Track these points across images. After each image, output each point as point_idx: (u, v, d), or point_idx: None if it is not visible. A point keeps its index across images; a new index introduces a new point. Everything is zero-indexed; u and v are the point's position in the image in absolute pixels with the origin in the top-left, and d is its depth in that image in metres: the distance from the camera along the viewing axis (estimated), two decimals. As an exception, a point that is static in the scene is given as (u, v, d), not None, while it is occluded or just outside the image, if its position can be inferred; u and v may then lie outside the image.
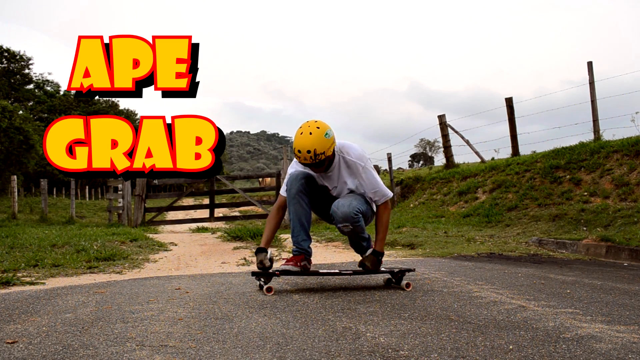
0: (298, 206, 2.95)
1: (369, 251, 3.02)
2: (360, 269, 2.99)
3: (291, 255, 2.98)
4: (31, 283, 3.35)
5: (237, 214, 12.94)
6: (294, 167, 3.04)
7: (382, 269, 3.00)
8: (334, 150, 2.86)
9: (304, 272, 2.93)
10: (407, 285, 2.89)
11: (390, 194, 3.00)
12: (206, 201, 12.54)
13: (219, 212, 13.35)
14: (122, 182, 11.06)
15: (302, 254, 2.95)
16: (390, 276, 3.04)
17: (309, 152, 2.72)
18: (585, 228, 5.49)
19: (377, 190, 2.94)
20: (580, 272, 3.59)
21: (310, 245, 3.01)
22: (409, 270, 2.99)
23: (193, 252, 5.65)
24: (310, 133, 2.73)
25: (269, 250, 2.96)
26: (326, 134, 2.75)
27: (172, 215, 14.97)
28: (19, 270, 3.83)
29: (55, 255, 4.63)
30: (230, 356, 1.69)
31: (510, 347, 1.75)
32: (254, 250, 3.15)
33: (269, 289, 2.77)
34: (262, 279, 2.85)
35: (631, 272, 3.60)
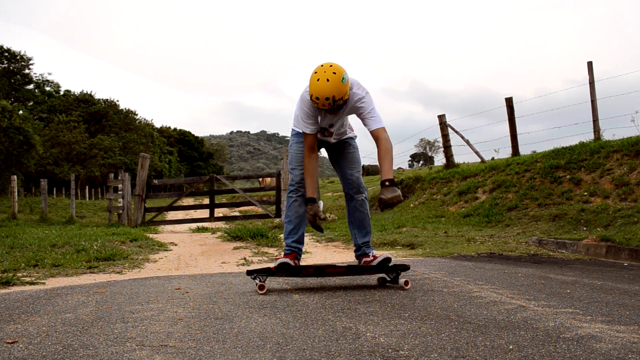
0: (300, 208, 2.95)
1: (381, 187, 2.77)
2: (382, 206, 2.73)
3: (283, 254, 2.98)
4: (31, 283, 3.35)
5: (237, 214, 12.94)
6: (300, 115, 2.91)
7: (376, 263, 2.95)
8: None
9: (298, 268, 2.91)
10: (406, 282, 2.85)
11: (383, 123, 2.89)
12: (206, 201, 12.55)
13: (219, 212, 13.36)
14: (122, 182, 11.07)
15: (294, 252, 2.95)
16: (384, 275, 3.02)
17: (327, 99, 2.65)
18: (585, 228, 5.49)
19: (374, 112, 2.83)
20: (580, 272, 3.59)
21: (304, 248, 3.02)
22: (404, 268, 2.93)
23: (193, 252, 5.65)
24: (328, 80, 2.63)
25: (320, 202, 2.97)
26: (343, 78, 2.66)
27: (172, 215, 14.97)
28: (19, 270, 3.83)
29: (55, 255, 4.63)
30: (230, 356, 1.69)
31: (510, 347, 1.75)
32: (308, 202, 2.94)
33: (262, 287, 2.74)
34: (258, 277, 2.82)
35: (631, 272, 3.60)
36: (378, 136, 2.84)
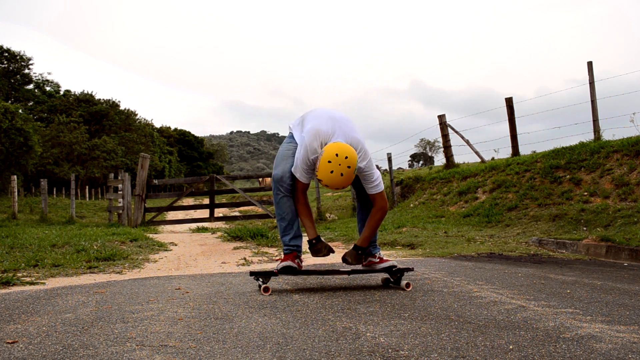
0: (290, 203, 2.93)
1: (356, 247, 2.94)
2: (346, 263, 2.93)
3: (283, 254, 2.97)
4: (31, 283, 3.35)
5: (237, 214, 12.95)
6: (299, 165, 2.85)
7: (379, 267, 2.98)
8: None
9: (302, 272, 2.92)
10: (407, 285, 2.87)
11: (382, 186, 2.94)
12: (206, 201, 12.55)
13: (219, 212, 13.37)
14: (122, 182, 11.07)
15: (294, 251, 2.95)
16: (388, 276, 3.04)
17: (337, 189, 2.71)
18: (585, 228, 5.49)
19: (375, 180, 2.88)
20: (580, 272, 3.59)
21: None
22: (408, 270, 2.98)
23: (193, 252, 5.65)
24: (342, 174, 2.62)
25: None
26: (355, 169, 2.68)
27: (172, 215, 14.98)
28: (19, 270, 3.83)
29: (55, 255, 4.63)
30: (230, 356, 1.69)
31: (510, 347, 1.75)
32: (312, 241, 3.00)
33: (266, 289, 2.76)
34: (261, 279, 2.85)
35: (631, 272, 3.60)
36: (375, 202, 2.93)
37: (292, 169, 2.88)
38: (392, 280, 3.00)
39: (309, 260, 4.53)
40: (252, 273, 2.91)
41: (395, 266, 2.96)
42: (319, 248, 2.95)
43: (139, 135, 40.44)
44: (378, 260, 3.02)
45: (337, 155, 2.62)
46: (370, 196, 2.93)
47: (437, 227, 6.88)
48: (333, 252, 3.00)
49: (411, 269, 3.01)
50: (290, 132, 3.09)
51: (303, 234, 3.06)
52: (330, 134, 2.79)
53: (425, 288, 2.91)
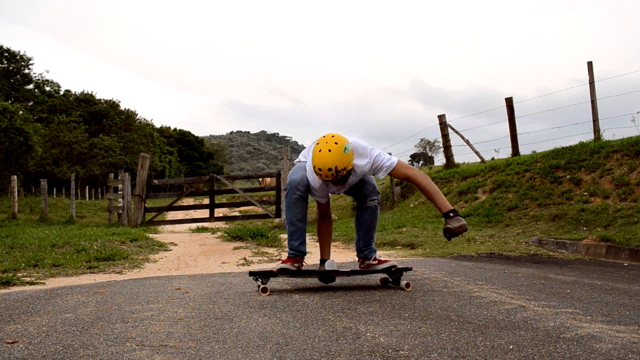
0: (302, 209, 2.95)
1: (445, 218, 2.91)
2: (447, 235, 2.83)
3: (287, 256, 2.99)
4: (31, 283, 3.35)
5: (237, 214, 12.95)
6: (309, 172, 2.92)
7: (380, 268, 2.97)
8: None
9: (301, 272, 2.92)
10: (407, 285, 2.86)
11: (395, 160, 2.93)
12: (206, 201, 12.56)
13: (219, 212, 13.37)
14: (122, 182, 11.07)
15: (298, 255, 2.96)
16: (387, 276, 3.03)
17: (330, 169, 2.66)
18: (585, 228, 5.49)
19: (383, 168, 2.88)
20: (580, 272, 3.59)
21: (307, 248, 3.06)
22: (407, 269, 2.97)
23: (193, 252, 5.66)
24: (330, 150, 2.65)
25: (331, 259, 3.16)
26: (345, 148, 2.67)
27: (172, 215, 14.99)
28: (19, 270, 3.83)
29: (55, 255, 4.63)
30: (230, 356, 1.69)
31: (510, 347, 1.75)
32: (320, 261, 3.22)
33: (265, 290, 2.76)
34: (260, 279, 2.85)
35: (631, 272, 3.60)
36: (408, 179, 2.97)
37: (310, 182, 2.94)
38: (391, 280, 2.99)
39: (308, 260, 4.54)
40: (251, 273, 2.91)
41: (394, 266, 2.96)
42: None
43: (139, 135, 40.42)
44: (376, 262, 3.02)
45: (323, 136, 2.74)
46: (397, 176, 2.95)
47: (437, 227, 6.88)
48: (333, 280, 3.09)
49: (409, 269, 3.00)
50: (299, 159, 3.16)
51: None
52: None
53: (425, 288, 2.90)
